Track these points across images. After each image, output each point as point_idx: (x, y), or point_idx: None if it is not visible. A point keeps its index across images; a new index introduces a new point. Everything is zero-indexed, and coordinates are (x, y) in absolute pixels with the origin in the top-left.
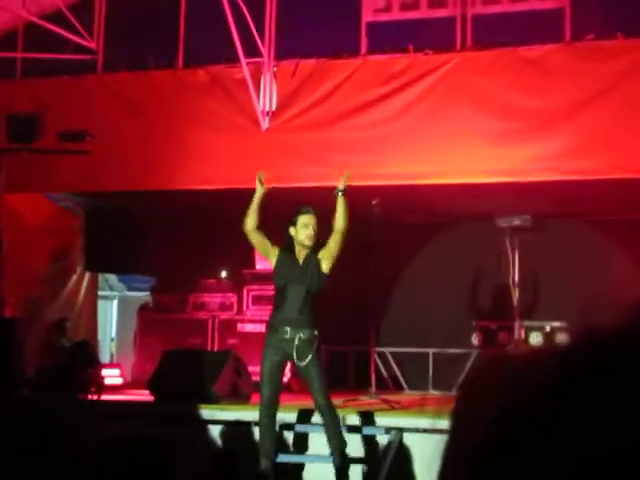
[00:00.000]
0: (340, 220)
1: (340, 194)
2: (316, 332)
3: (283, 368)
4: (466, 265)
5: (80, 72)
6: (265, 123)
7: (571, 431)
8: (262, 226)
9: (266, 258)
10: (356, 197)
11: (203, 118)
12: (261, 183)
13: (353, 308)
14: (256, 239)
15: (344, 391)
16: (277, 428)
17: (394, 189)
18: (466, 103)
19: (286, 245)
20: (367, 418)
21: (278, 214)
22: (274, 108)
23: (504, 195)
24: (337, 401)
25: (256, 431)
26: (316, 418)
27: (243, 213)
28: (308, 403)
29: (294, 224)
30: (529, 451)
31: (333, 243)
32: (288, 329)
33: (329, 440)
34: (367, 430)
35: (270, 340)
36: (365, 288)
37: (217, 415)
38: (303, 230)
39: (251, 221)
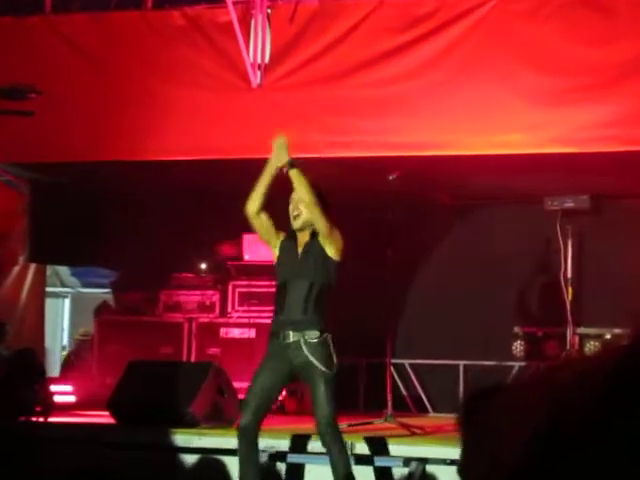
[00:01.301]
0: (301, 195)
1: (289, 168)
2: (326, 334)
3: (281, 383)
4: (506, 258)
5: (23, 12)
6: (256, 79)
7: (622, 456)
8: (268, 207)
9: (270, 248)
10: (369, 171)
11: (179, 72)
12: (284, 150)
13: (364, 309)
14: (260, 224)
15: (352, 413)
16: (263, 459)
17: (416, 162)
18: (507, 55)
19: (289, 232)
20: (381, 446)
21: (274, 194)
22: (267, 60)
23: (554, 170)
24: (342, 425)
25: None
26: (314, 445)
27: (227, 190)
28: (303, 428)
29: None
30: (575, 474)
31: (313, 221)
32: (291, 333)
33: (334, 471)
34: (381, 461)
35: (271, 348)
36: (380, 284)
37: (194, 442)
38: (289, 209)
39: (257, 202)
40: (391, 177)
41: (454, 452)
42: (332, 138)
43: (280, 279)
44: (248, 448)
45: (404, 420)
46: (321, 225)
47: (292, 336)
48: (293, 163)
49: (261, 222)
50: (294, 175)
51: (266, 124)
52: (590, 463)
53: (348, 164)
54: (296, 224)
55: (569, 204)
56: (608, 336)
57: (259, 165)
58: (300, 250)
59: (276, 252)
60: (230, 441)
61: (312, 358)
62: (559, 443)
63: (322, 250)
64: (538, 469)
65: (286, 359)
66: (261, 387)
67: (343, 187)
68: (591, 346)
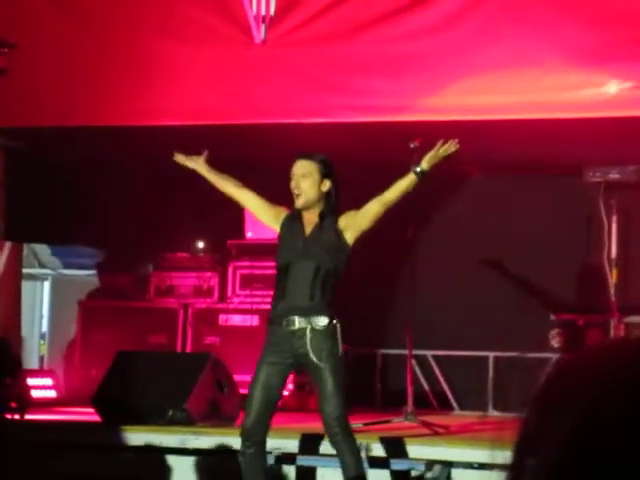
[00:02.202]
0: (393, 195)
1: (417, 173)
2: (335, 321)
3: (285, 377)
4: (541, 237)
5: None
6: (260, 34)
7: None
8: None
9: (270, 227)
10: (387, 139)
11: (172, 25)
12: (192, 160)
13: (381, 294)
14: (250, 203)
15: (368, 410)
16: (270, 461)
17: (441, 128)
18: (545, 4)
19: (294, 209)
20: (400, 448)
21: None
22: (272, 13)
23: (597, 137)
24: (356, 424)
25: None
26: (327, 446)
27: (227, 159)
28: (313, 427)
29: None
30: (620, 466)
31: (371, 214)
32: (296, 319)
33: (344, 474)
34: (400, 464)
35: (272, 338)
36: (398, 266)
37: (190, 443)
38: (291, 185)
39: (227, 189)
40: (412, 145)
41: (482, 454)
42: (345, 101)
43: (282, 261)
44: (254, 454)
45: (426, 418)
46: (373, 222)
47: (298, 322)
48: (424, 173)
49: (249, 199)
50: (410, 182)
51: (270, 85)
52: (631, 465)
53: (363, 130)
54: (298, 203)
55: (613, 175)
56: None
57: (263, 132)
58: (308, 230)
59: (277, 230)
60: (230, 441)
61: (313, 349)
62: (596, 443)
63: (339, 234)
64: (576, 472)
65: (288, 350)
66: (262, 386)
67: (357, 157)
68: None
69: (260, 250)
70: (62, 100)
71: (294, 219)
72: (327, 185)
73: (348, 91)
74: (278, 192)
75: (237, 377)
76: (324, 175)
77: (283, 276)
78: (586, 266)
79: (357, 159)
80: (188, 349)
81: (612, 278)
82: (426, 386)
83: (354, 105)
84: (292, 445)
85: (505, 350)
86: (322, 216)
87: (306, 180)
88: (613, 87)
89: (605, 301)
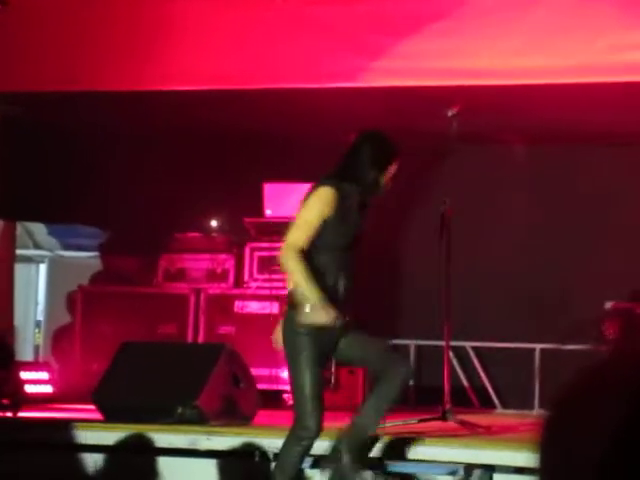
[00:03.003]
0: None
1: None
2: None
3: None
4: (595, 216)
5: None
6: None
7: None
8: None
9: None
10: (423, 104)
11: None
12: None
13: (413, 278)
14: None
15: (400, 409)
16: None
17: (481, 93)
18: None
19: (343, 187)
20: (437, 450)
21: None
22: None
23: None
24: (388, 423)
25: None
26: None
27: (245, 129)
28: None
29: (381, 168)
30: None
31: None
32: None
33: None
34: (436, 468)
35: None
36: (433, 247)
37: (201, 443)
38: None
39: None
40: (450, 113)
41: (526, 458)
42: (376, 63)
43: (343, 241)
44: (302, 451)
45: (465, 417)
46: None
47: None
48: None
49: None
50: None
51: (294, 46)
52: None
53: (396, 96)
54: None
55: None
56: None
57: (286, 98)
58: (360, 215)
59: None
60: (246, 442)
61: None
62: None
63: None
64: (622, 470)
65: (333, 340)
66: (320, 383)
67: (390, 125)
68: None
69: (280, 229)
70: (64, 63)
71: (349, 198)
72: None
73: (380, 53)
74: (300, 165)
75: (254, 371)
76: None
77: (342, 258)
78: None
79: (389, 128)
80: (200, 339)
81: None
82: (465, 382)
83: (386, 68)
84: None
85: (553, 342)
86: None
87: None
88: None
89: None
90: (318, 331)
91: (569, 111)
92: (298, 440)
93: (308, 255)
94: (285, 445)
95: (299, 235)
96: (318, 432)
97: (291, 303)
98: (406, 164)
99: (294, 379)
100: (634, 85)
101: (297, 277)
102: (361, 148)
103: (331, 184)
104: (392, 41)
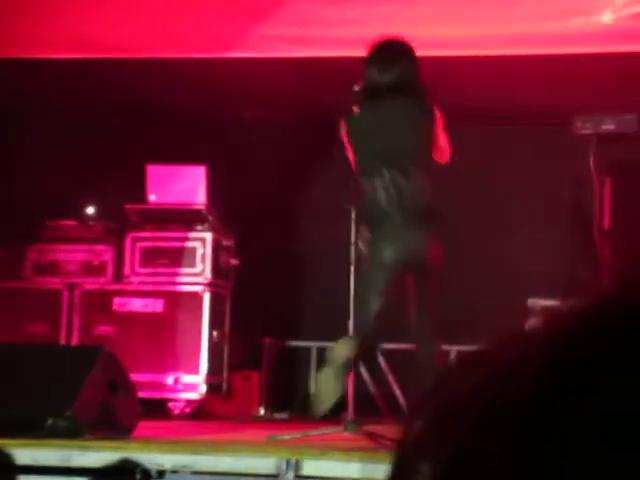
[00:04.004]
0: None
1: None
2: None
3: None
4: (516, 202)
5: None
6: None
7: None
8: None
9: None
10: (329, 79)
11: None
12: None
13: (317, 275)
14: None
15: (298, 419)
16: None
17: None
18: None
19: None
20: (336, 465)
21: None
22: None
23: (588, 79)
24: (281, 435)
25: None
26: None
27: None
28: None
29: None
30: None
31: None
32: None
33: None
34: None
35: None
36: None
37: (74, 460)
38: None
39: None
40: (356, 88)
41: None
42: (279, 31)
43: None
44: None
45: (372, 428)
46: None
47: None
48: None
49: None
50: None
51: (189, 11)
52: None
53: (301, 68)
54: None
55: (608, 126)
56: None
57: (172, 69)
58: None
59: None
60: (126, 458)
61: None
62: (491, 446)
63: None
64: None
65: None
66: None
67: (289, 100)
68: None
69: (166, 217)
70: None
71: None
72: None
73: (283, 20)
74: (189, 146)
75: (136, 376)
76: None
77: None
78: (573, 240)
79: (295, 103)
80: (74, 341)
81: (604, 255)
82: (372, 388)
83: (290, 37)
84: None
85: (469, 344)
86: None
87: None
88: (607, 15)
89: (596, 282)
90: None
91: (487, 87)
92: None
93: None
94: None
95: None
96: None
97: None
98: (304, 144)
99: None
100: (562, 58)
101: None
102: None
103: None
104: (294, 6)
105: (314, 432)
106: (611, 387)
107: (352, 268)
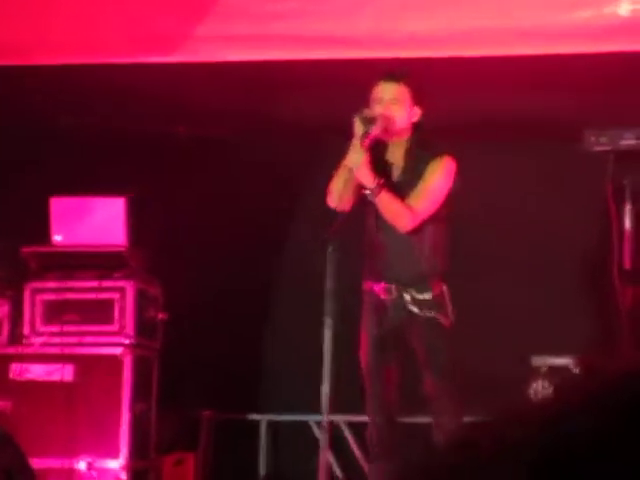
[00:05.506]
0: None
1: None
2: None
3: None
4: (514, 236)
5: None
6: None
7: None
8: None
9: None
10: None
11: None
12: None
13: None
14: None
15: None
16: None
17: (354, 67)
18: None
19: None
20: None
21: None
22: None
23: (602, 83)
24: None
25: None
26: None
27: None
28: None
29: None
30: None
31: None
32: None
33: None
34: None
35: None
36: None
37: None
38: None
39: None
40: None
41: None
42: (214, 29)
43: None
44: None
45: None
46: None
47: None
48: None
49: None
50: (382, 202)
51: (105, 8)
52: None
53: (238, 75)
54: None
55: (628, 141)
56: None
57: (80, 78)
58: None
59: None
60: None
61: None
62: None
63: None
64: None
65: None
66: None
67: (229, 113)
68: None
69: (75, 262)
70: None
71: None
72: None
73: (219, 15)
74: (103, 172)
75: (37, 462)
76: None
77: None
78: (585, 283)
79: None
80: None
81: (625, 300)
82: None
83: (229, 36)
84: None
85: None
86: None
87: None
88: (625, 7)
89: (614, 336)
90: None
91: (479, 94)
92: None
93: None
94: None
95: None
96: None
97: None
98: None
99: None
100: (571, 58)
101: None
102: None
103: None
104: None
105: None
106: None
107: (326, 320)
